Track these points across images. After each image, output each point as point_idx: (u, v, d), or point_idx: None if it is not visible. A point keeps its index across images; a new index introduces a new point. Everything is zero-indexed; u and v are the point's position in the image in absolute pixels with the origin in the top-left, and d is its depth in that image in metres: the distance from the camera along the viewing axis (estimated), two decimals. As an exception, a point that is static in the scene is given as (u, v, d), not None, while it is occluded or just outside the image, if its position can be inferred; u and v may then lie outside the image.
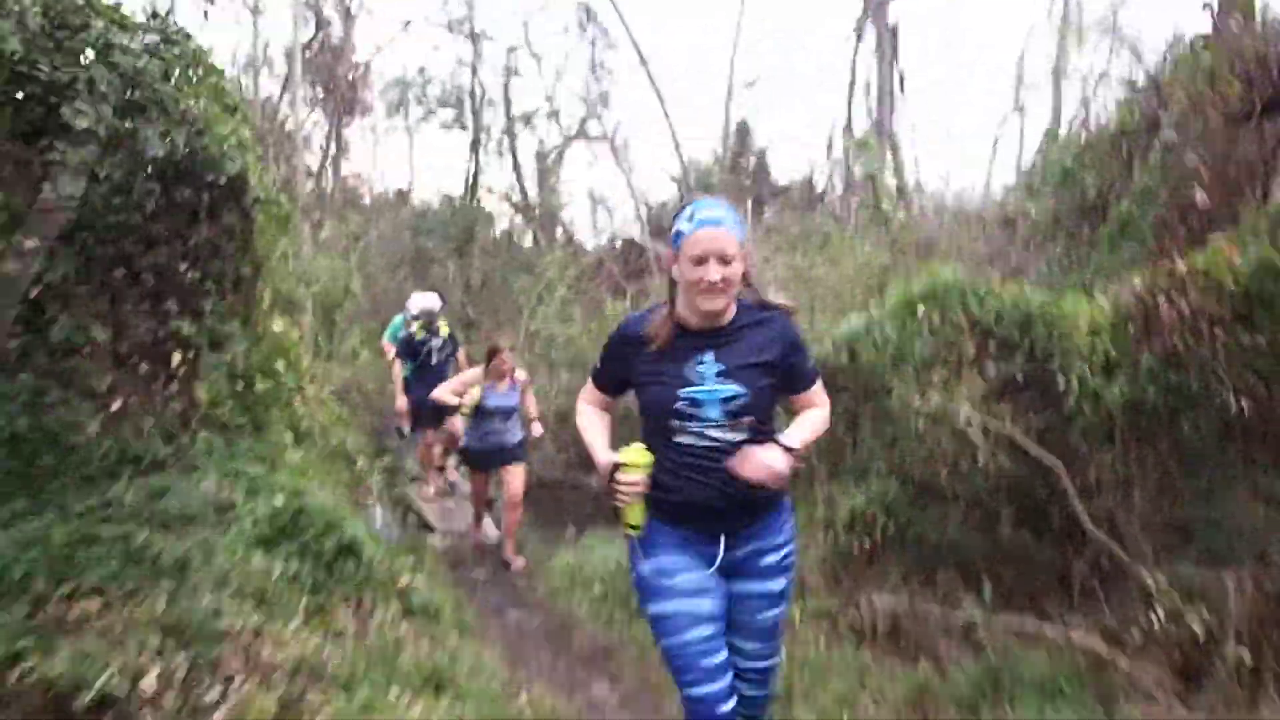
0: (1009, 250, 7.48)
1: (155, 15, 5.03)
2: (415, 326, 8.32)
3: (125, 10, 4.79)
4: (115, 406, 4.43)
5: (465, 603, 5.85)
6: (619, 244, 19.21)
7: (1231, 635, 3.37)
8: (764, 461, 2.40)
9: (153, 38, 4.75)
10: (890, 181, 14.62)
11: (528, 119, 17.52)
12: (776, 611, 2.64)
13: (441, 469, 8.93)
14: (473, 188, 16.88)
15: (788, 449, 2.45)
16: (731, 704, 2.49)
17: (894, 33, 18.30)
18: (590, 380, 2.75)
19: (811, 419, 2.66)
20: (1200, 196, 4.44)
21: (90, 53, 4.34)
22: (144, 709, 3.35)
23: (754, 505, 2.52)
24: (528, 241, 18.24)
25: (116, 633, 3.59)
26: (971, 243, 7.86)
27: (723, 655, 2.50)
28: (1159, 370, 3.95)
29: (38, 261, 4.24)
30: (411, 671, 4.01)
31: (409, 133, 20.94)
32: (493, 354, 6.77)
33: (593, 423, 2.72)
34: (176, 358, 4.65)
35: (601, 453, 2.57)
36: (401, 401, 8.16)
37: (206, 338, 4.77)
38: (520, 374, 7.02)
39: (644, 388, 2.54)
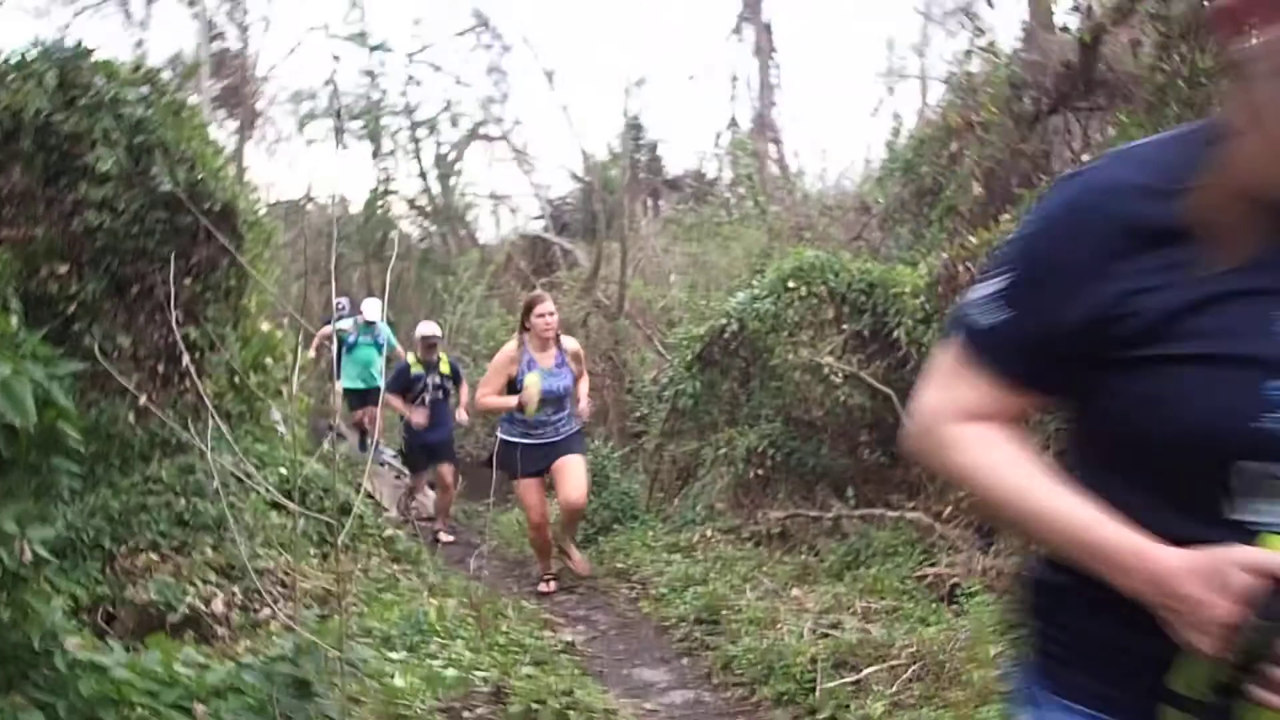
0: (867, 233, 8.92)
1: (138, 68, 5.90)
2: (411, 358, 7.66)
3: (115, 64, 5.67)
4: (142, 401, 5.34)
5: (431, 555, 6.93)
6: (522, 241, 20.21)
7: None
8: None
9: (145, 89, 5.64)
10: (774, 170, 16.09)
11: (431, 125, 18.29)
12: None
13: (435, 516, 8.18)
14: (382, 194, 17.62)
15: None
16: None
17: (769, 30, 19.85)
18: (954, 360, 1.04)
19: None
20: (976, 189, 5.86)
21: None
22: (216, 624, 4.38)
23: None
24: (436, 243, 19.06)
25: (183, 575, 4.58)
26: (835, 227, 9.28)
27: None
28: (960, 318, 5.34)
29: (71, 284, 5.13)
30: (412, 590, 5.09)
31: (307, 142, 21.49)
32: (531, 307, 5.29)
33: (1016, 461, 0.96)
34: (185, 359, 5.56)
35: (1128, 539, 0.87)
36: (418, 415, 7.42)
37: (207, 341, 5.70)
38: (568, 341, 5.57)
39: (1148, 368, 0.88)
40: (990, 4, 10.58)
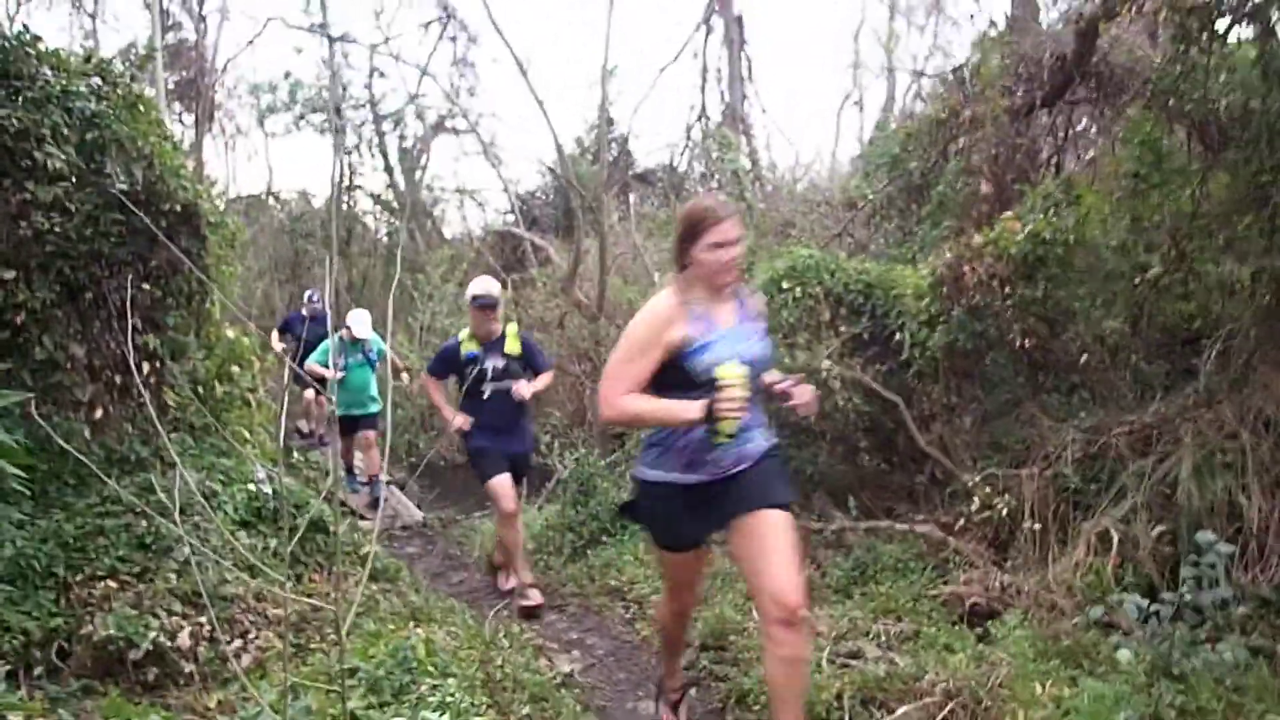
0: (852, 229, 8.71)
1: (89, 59, 5.49)
2: (464, 334, 5.38)
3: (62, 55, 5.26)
4: (98, 415, 4.96)
5: (410, 569, 6.60)
6: (491, 236, 19.82)
7: (1027, 514, 4.56)
8: None
9: (95, 80, 5.24)
10: (745, 165, 15.87)
11: (396, 118, 17.85)
12: None
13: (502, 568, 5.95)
14: (347, 189, 17.15)
15: None
16: None
17: (740, 21, 19.60)
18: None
19: None
20: (985, 187, 5.66)
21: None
22: (183, 660, 4.04)
23: None
24: (402, 238, 18.62)
25: (145, 605, 4.22)
26: (820, 222, 9.06)
27: None
28: (966, 321, 5.13)
29: (19, 291, 4.74)
30: (394, 614, 4.77)
31: (266, 135, 20.93)
32: (698, 227, 2.87)
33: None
34: (145, 368, 5.19)
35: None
36: (459, 419, 5.28)
37: (168, 349, 5.32)
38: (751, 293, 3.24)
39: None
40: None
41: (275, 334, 9.92)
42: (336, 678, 3.47)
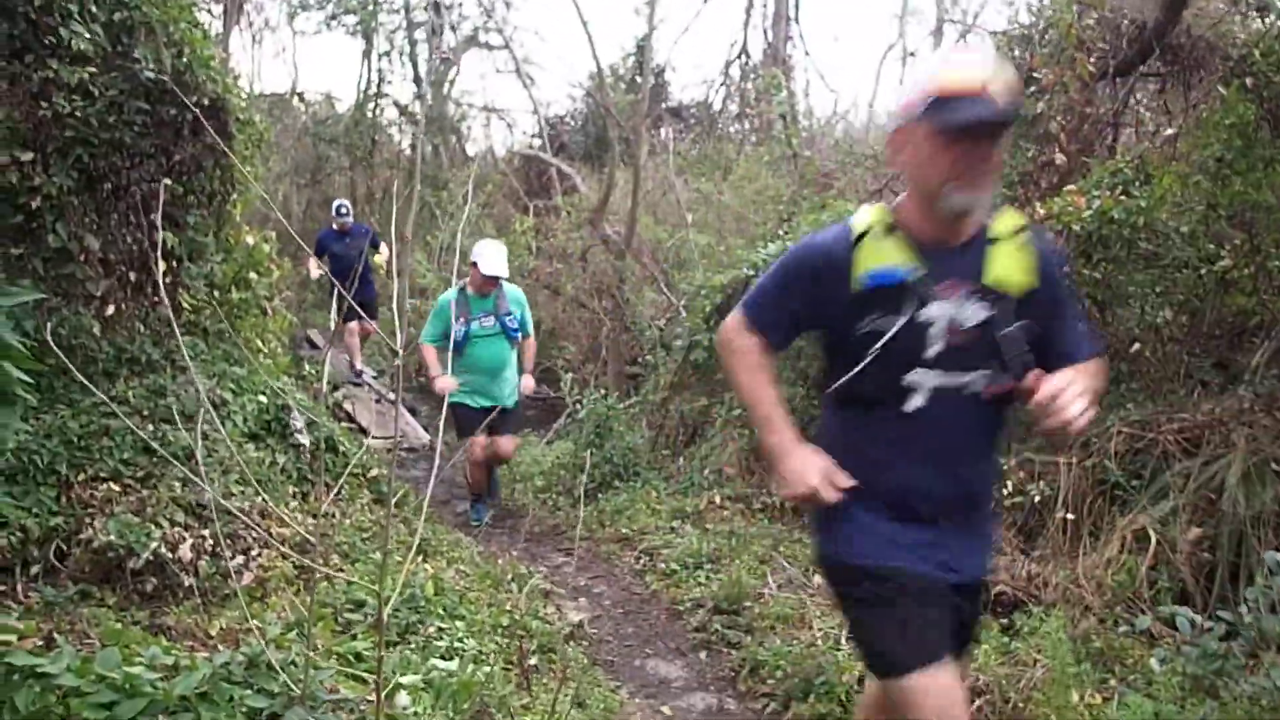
0: (895, 185, 8.39)
1: (120, -68, 5.18)
2: (868, 219, 1.97)
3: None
4: (110, 311, 4.80)
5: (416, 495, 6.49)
6: (516, 159, 19.39)
7: (1060, 502, 4.40)
8: None
9: (127, -43, 4.94)
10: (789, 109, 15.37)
11: (432, 28, 17.28)
12: None
13: None
14: (375, 97, 16.69)
15: None
16: None
17: (789, -42, 18.86)
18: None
19: None
20: (1060, 158, 5.36)
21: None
22: (183, 573, 3.93)
23: None
24: (425, 153, 18.21)
25: (147, 512, 4.10)
26: (862, 177, 8.74)
27: None
28: (1019, 297, 4.90)
29: (35, 174, 4.52)
30: (400, 543, 4.67)
31: (295, 33, 20.41)
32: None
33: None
34: (161, 267, 5.00)
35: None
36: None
37: (186, 249, 5.13)
38: None
39: None
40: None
41: (313, 261, 8.95)
42: (373, 671, 3.37)
